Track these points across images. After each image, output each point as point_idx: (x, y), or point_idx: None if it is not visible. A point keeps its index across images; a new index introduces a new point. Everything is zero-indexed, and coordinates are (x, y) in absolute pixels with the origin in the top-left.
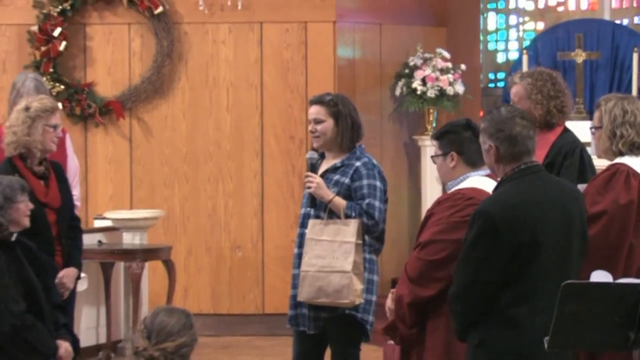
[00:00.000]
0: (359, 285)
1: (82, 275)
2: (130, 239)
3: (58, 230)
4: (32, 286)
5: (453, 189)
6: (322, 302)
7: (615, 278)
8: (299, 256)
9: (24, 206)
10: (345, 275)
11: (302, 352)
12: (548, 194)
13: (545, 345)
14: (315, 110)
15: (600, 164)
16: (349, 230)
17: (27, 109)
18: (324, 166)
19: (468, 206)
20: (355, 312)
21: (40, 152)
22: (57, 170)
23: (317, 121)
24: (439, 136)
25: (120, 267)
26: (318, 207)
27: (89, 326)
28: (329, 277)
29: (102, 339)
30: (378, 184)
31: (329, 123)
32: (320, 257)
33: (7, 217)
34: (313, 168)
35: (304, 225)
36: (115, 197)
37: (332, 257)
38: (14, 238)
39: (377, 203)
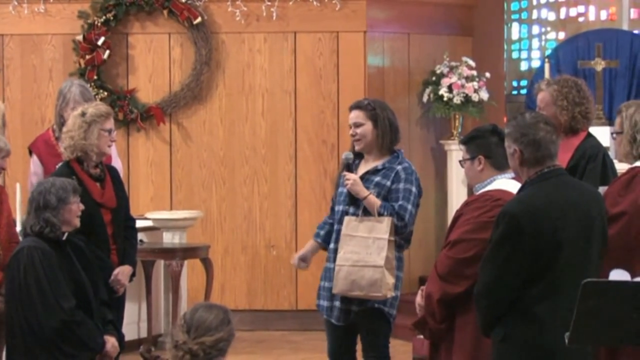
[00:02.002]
0: (390, 280)
1: None
2: (170, 239)
3: (113, 230)
4: (82, 283)
5: (481, 191)
6: (356, 294)
7: (633, 276)
8: (334, 251)
9: (76, 207)
10: (378, 269)
11: (335, 342)
12: (570, 196)
13: (566, 341)
14: (354, 115)
15: (622, 167)
16: (382, 227)
17: (83, 114)
18: (364, 168)
19: (495, 207)
20: (384, 306)
21: (96, 155)
22: (112, 172)
23: (357, 124)
24: (466, 141)
25: (160, 265)
26: (356, 204)
27: (130, 321)
28: (362, 271)
29: (143, 334)
30: (414, 189)
31: (368, 126)
32: (355, 252)
33: (60, 218)
34: (349, 168)
35: (340, 222)
36: (156, 199)
37: (366, 252)
38: (64, 237)
39: (409, 206)
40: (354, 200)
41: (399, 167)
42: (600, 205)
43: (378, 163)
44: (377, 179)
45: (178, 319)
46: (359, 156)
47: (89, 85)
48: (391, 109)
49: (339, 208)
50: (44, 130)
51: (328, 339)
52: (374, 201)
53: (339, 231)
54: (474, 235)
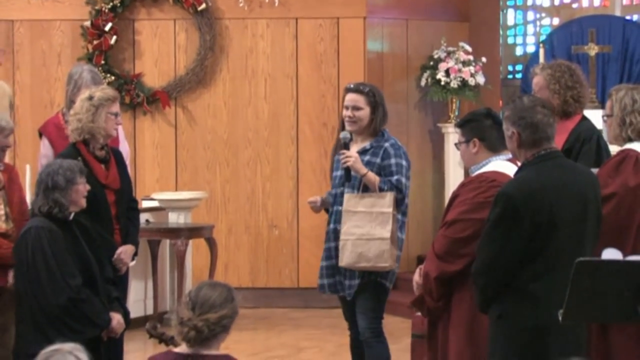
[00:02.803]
0: (395, 251)
1: None
2: (175, 219)
3: (117, 211)
4: (88, 262)
5: (476, 173)
6: (363, 266)
7: (624, 255)
8: (334, 231)
9: (83, 187)
10: (385, 241)
11: (348, 311)
12: (566, 178)
13: (560, 318)
14: (354, 98)
15: (615, 149)
16: (385, 201)
17: (90, 98)
18: (354, 148)
19: (491, 187)
20: (385, 280)
21: (103, 138)
22: (117, 155)
23: (356, 108)
24: (461, 124)
25: (166, 244)
26: (352, 183)
27: (137, 299)
28: (368, 244)
29: (149, 311)
30: (404, 162)
31: (366, 111)
32: (359, 226)
33: (68, 198)
34: (346, 146)
35: (336, 203)
36: (162, 180)
37: (370, 226)
38: (71, 217)
39: (403, 179)
40: (349, 180)
41: (387, 144)
42: (595, 186)
43: (366, 143)
44: (367, 157)
45: (183, 296)
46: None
47: (96, 68)
48: (383, 94)
49: (336, 191)
50: (53, 113)
51: (342, 309)
52: (374, 178)
53: (337, 212)
54: (470, 216)
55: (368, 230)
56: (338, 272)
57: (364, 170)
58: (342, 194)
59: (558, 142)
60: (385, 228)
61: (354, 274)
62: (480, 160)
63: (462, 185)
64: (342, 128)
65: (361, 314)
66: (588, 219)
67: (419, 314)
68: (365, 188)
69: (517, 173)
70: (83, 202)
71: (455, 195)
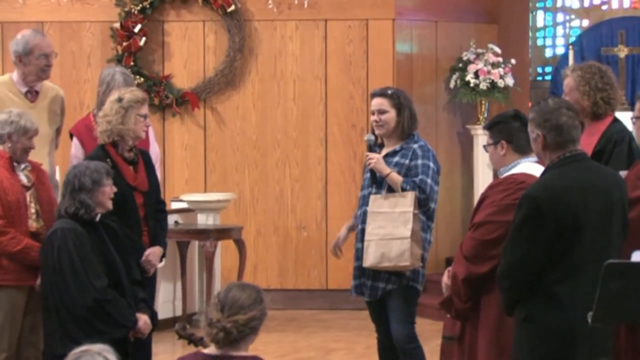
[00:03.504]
0: (417, 250)
1: None
2: (204, 220)
3: (145, 212)
4: (114, 263)
5: (505, 175)
6: (385, 266)
7: None
8: (362, 231)
9: (109, 189)
10: (405, 241)
11: (375, 314)
12: (591, 180)
13: (589, 320)
14: (379, 102)
15: None
16: (407, 201)
17: (120, 100)
18: (384, 151)
19: (519, 190)
20: (415, 283)
21: (132, 140)
22: (145, 157)
23: (382, 111)
24: (490, 127)
25: (195, 245)
26: (378, 184)
27: (166, 300)
28: (390, 244)
29: (178, 312)
30: (431, 164)
31: (392, 114)
32: (382, 227)
33: (94, 199)
34: (371, 149)
35: (365, 204)
36: (191, 181)
37: (392, 226)
38: (98, 219)
39: (428, 180)
40: (376, 181)
41: (415, 146)
42: (621, 188)
43: (396, 146)
44: (396, 159)
45: (212, 297)
46: (382, 142)
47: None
48: (410, 98)
49: (364, 192)
50: (82, 115)
51: (369, 310)
52: (397, 178)
53: (365, 212)
54: (498, 218)
55: (390, 231)
56: (363, 273)
57: (386, 170)
58: (369, 194)
59: (589, 143)
60: (406, 227)
61: (378, 275)
62: (509, 162)
63: (491, 187)
64: (373, 133)
65: (394, 320)
66: (613, 221)
67: (448, 315)
68: (390, 189)
69: (542, 175)
70: (109, 204)
71: (483, 197)
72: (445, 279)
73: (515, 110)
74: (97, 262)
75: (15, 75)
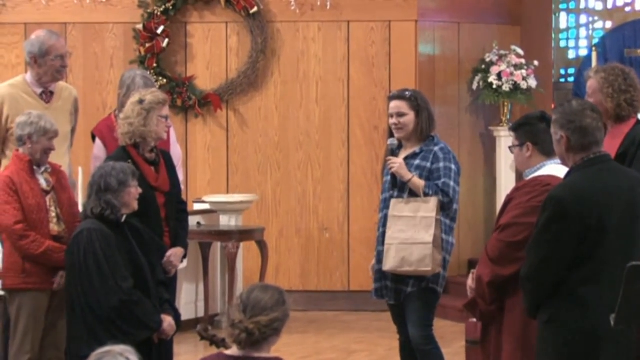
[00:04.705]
0: (438, 256)
1: None
2: (226, 221)
3: (167, 213)
4: (139, 264)
5: (531, 176)
6: (405, 270)
7: None
8: (383, 235)
9: (135, 190)
10: (427, 246)
11: (395, 316)
12: (615, 181)
13: (612, 322)
14: (397, 104)
15: None
16: (429, 206)
17: (141, 101)
18: (403, 153)
19: (545, 192)
20: (436, 285)
21: (154, 141)
22: (166, 158)
23: (400, 114)
24: (515, 128)
25: (217, 246)
26: (400, 188)
27: (188, 301)
28: (411, 248)
29: (200, 313)
30: (453, 166)
31: (411, 116)
32: (403, 231)
33: (120, 200)
34: (393, 153)
35: (386, 207)
36: (213, 182)
37: (414, 231)
38: (123, 219)
39: (451, 183)
40: (397, 185)
41: (436, 148)
42: None
43: (416, 148)
44: (417, 162)
45: (234, 299)
46: (402, 144)
47: (148, 72)
48: (428, 100)
49: (385, 195)
50: (105, 115)
51: (390, 312)
52: (419, 182)
53: (386, 216)
54: (523, 219)
55: (411, 235)
56: (384, 276)
57: (408, 175)
58: (390, 198)
59: (613, 145)
60: (428, 232)
61: (399, 278)
62: (534, 164)
63: (517, 189)
64: (390, 136)
65: (412, 322)
66: (637, 222)
67: (473, 319)
68: (412, 193)
69: (565, 177)
70: (135, 205)
71: (509, 199)
72: (470, 282)
73: (541, 111)
74: (123, 263)
75: (29, 76)
